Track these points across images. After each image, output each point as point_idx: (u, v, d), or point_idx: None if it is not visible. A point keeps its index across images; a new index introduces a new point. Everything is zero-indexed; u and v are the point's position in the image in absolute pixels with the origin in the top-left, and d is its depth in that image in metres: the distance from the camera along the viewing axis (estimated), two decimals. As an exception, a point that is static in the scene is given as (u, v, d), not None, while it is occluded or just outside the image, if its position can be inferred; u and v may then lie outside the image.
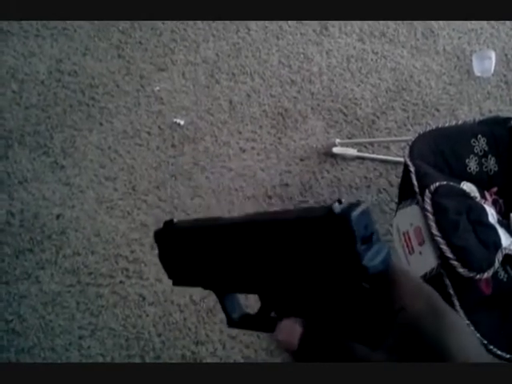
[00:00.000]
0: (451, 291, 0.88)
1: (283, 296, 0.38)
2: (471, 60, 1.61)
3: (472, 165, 1.07)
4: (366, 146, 1.44)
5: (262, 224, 0.37)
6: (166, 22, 1.64)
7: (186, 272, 0.45)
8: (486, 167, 1.08)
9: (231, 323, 0.44)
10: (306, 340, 0.36)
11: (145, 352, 1.15)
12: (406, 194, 1.01)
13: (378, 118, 1.50)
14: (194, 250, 0.44)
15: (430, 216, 0.91)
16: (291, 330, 0.37)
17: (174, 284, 0.47)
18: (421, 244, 0.94)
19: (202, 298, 1.20)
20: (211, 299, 1.20)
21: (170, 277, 0.47)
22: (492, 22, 1.72)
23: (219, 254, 0.41)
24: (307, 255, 0.34)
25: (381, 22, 1.68)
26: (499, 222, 0.98)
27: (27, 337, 1.16)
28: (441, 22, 1.70)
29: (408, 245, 0.96)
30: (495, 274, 0.91)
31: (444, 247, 0.88)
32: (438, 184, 0.95)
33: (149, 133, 1.44)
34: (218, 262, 0.42)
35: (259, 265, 0.38)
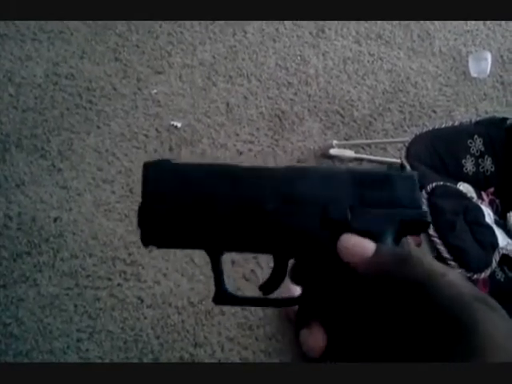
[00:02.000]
0: (449, 291, 0.88)
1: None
2: (467, 61, 1.62)
3: (468, 165, 1.07)
4: (363, 148, 1.44)
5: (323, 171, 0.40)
6: (162, 25, 1.65)
7: (178, 223, 0.37)
8: (482, 168, 1.09)
9: (220, 298, 0.38)
10: (381, 249, 0.34)
11: (143, 354, 1.15)
12: (403, 194, 1.01)
13: (374, 119, 1.50)
14: (203, 192, 0.37)
15: (427, 216, 0.92)
16: (362, 242, 0.34)
17: (147, 243, 0.38)
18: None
19: (200, 300, 1.20)
20: (209, 302, 1.20)
21: (145, 231, 0.38)
22: (488, 23, 1.72)
23: (244, 198, 0.38)
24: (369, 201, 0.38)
25: (377, 24, 1.69)
26: (496, 222, 0.99)
27: (25, 340, 1.16)
28: (437, 23, 1.71)
29: (405, 245, 0.96)
30: (492, 274, 0.91)
31: (441, 247, 0.89)
32: (434, 184, 0.95)
33: (146, 135, 1.45)
34: (238, 208, 0.37)
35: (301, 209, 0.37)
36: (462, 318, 0.30)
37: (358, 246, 0.34)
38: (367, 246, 0.34)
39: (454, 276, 0.32)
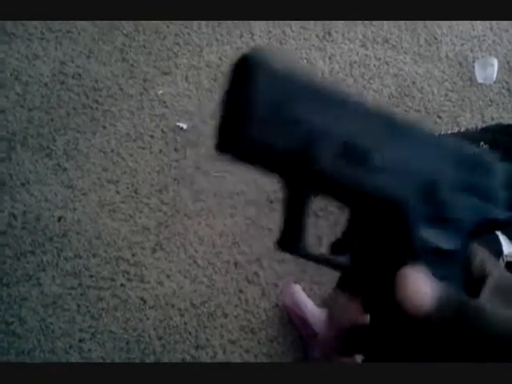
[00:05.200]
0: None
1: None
2: (474, 67, 1.62)
3: (474, 172, 1.07)
4: (368, 152, 1.44)
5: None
6: (169, 25, 1.65)
7: (274, 138, 0.30)
8: (487, 174, 1.08)
9: (287, 243, 0.32)
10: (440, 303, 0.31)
11: (145, 355, 1.15)
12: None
13: (380, 123, 1.50)
14: (308, 116, 0.31)
15: (432, 222, 0.91)
16: (420, 288, 0.30)
17: (224, 149, 0.30)
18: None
19: (203, 303, 1.20)
20: (212, 304, 1.20)
21: (230, 132, 0.30)
22: (495, 29, 1.72)
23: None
24: None
25: (384, 28, 1.69)
26: (501, 229, 0.98)
27: (28, 339, 1.16)
28: (444, 28, 1.71)
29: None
30: (496, 281, 0.91)
31: (445, 254, 0.88)
32: (439, 190, 0.95)
33: (152, 136, 1.45)
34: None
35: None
36: None
37: (416, 294, 0.30)
38: (424, 297, 0.30)
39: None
